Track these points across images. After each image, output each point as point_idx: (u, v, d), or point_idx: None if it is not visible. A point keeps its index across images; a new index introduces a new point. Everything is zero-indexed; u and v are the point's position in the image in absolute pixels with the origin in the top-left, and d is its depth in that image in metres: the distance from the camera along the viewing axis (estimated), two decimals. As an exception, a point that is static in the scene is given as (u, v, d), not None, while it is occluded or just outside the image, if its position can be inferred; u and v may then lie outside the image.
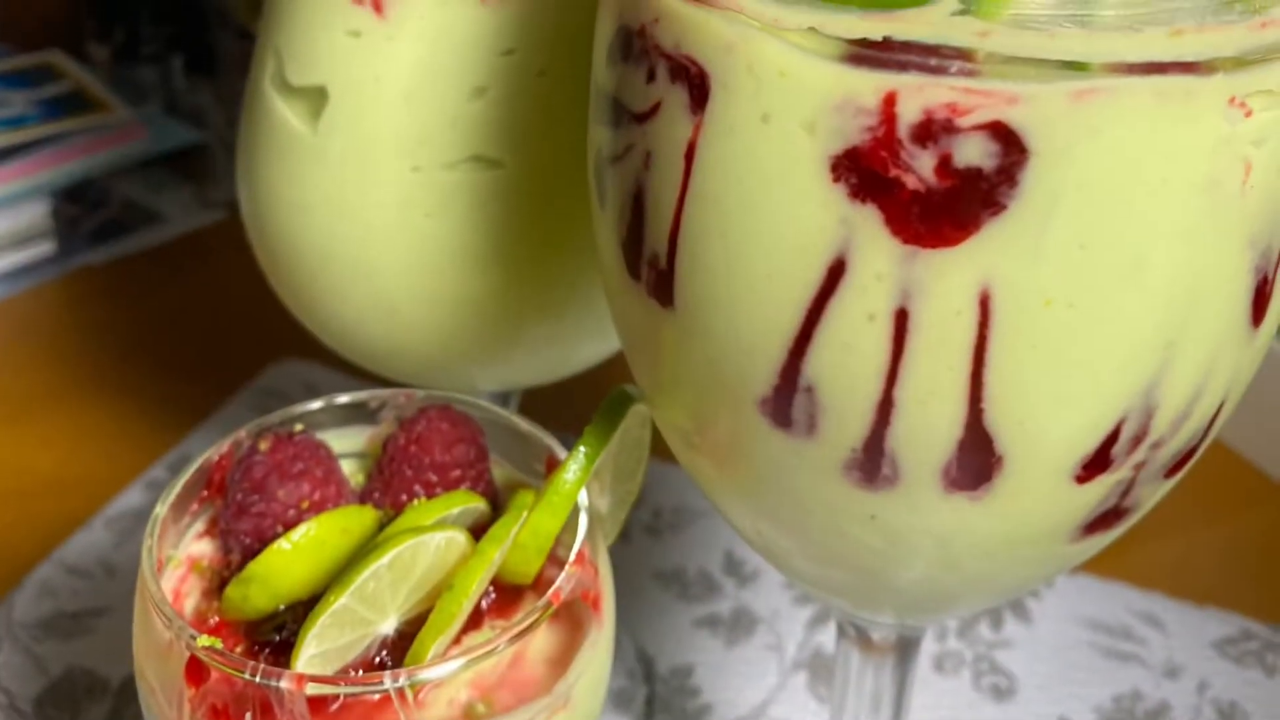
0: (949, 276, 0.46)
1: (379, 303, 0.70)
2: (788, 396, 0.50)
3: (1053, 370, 0.48)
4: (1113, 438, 0.50)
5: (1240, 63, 0.45)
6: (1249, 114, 0.46)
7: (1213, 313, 0.49)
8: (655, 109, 0.50)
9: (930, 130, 0.44)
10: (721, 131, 0.48)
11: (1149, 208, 0.46)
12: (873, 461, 0.50)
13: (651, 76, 0.50)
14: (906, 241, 0.46)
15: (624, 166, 0.53)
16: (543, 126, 0.67)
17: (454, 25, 0.64)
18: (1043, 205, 0.45)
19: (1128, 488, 0.53)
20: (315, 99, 0.67)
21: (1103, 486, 0.52)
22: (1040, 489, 0.51)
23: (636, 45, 0.50)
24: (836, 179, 0.46)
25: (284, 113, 0.68)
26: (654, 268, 0.52)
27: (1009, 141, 0.44)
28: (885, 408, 0.49)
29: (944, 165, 0.45)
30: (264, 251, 0.74)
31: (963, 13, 0.43)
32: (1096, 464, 0.51)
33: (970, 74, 0.44)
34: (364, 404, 0.67)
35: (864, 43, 0.44)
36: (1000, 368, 0.47)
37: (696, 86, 0.48)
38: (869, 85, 0.45)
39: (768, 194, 0.47)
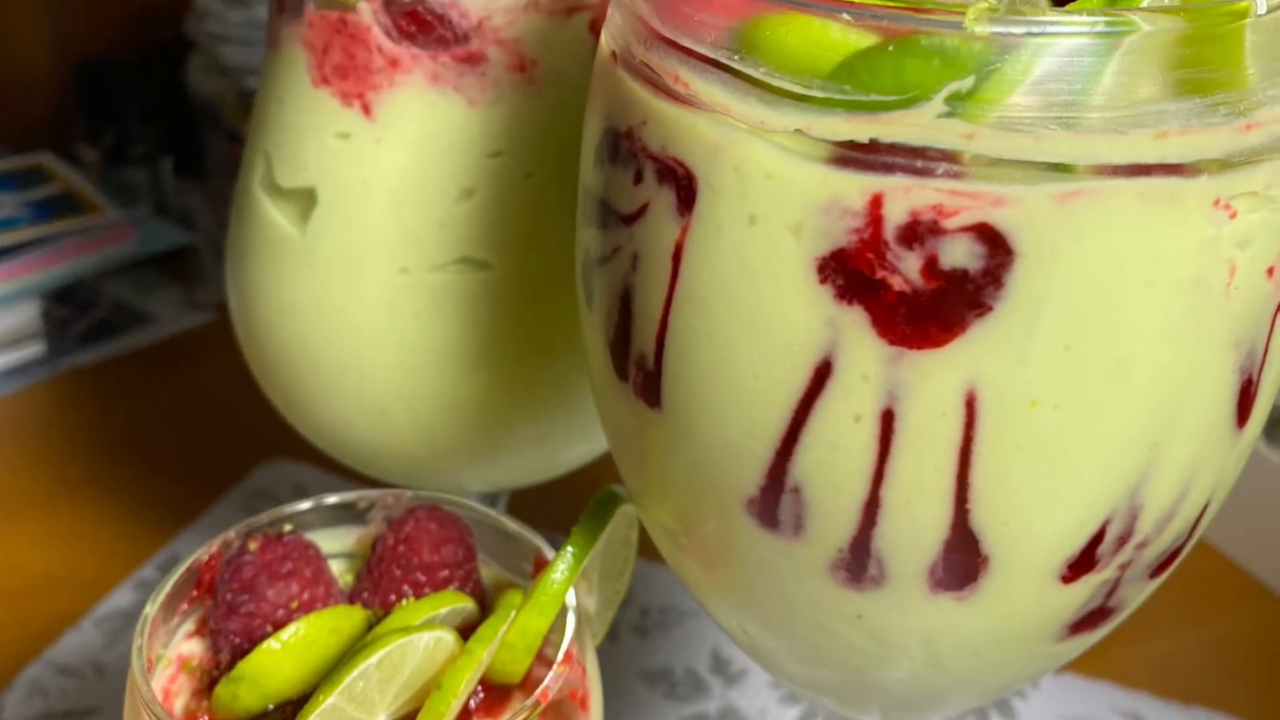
0: (935, 377, 0.46)
1: (367, 403, 0.70)
2: (774, 497, 0.50)
3: (1039, 471, 0.48)
4: (1098, 538, 0.50)
5: (1225, 165, 0.45)
6: (1234, 215, 0.46)
7: (1197, 414, 0.49)
8: (643, 210, 0.50)
9: (916, 232, 0.45)
10: (708, 233, 0.48)
11: (1134, 309, 0.46)
12: (859, 562, 0.50)
13: (639, 178, 0.50)
14: (893, 343, 0.46)
15: (612, 267, 0.53)
16: (531, 228, 0.67)
17: (442, 128, 0.65)
18: (1029, 307, 0.45)
19: (1113, 588, 0.53)
20: (304, 201, 0.67)
21: (1088, 586, 0.52)
22: (1026, 589, 0.51)
23: (624, 147, 0.51)
24: (823, 280, 0.46)
25: (273, 215, 0.68)
26: (641, 368, 0.52)
27: (995, 243, 0.45)
28: (872, 508, 0.49)
29: (930, 267, 0.45)
30: (253, 352, 0.74)
31: (949, 115, 0.44)
32: (1082, 564, 0.51)
33: (956, 176, 0.44)
34: (353, 504, 0.66)
35: (850, 145, 0.45)
36: (986, 468, 0.48)
37: (683, 188, 0.48)
38: (855, 187, 0.45)
39: (754, 295, 0.48)
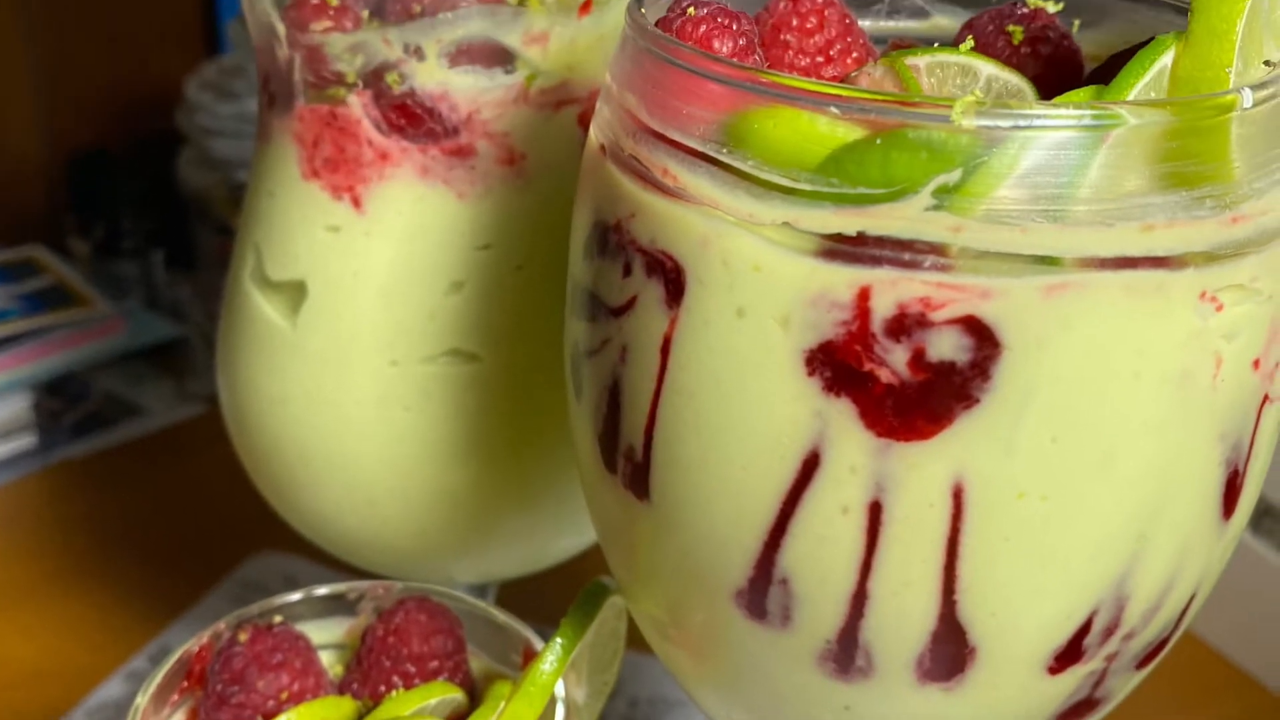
0: (922, 469, 0.46)
1: (357, 495, 0.70)
2: (763, 589, 0.50)
3: (1026, 562, 0.48)
4: (1085, 629, 0.50)
5: (1211, 258, 0.46)
6: (1220, 308, 0.46)
7: (1184, 506, 0.49)
8: (631, 303, 0.50)
9: (904, 324, 0.45)
10: (697, 325, 0.48)
11: (1121, 401, 0.46)
12: (847, 653, 0.50)
13: (628, 271, 0.50)
14: (880, 435, 0.46)
15: (600, 360, 0.53)
16: (520, 320, 0.67)
17: (432, 221, 0.65)
18: (1016, 398, 0.45)
19: (1100, 679, 0.53)
20: (294, 294, 0.68)
21: (1075, 677, 0.52)
22: (1013, 680, 0.51)
23: (612, 240, 0.51)
24: (811, 372, 0.46)
25: (263, 307, 0.69)
26: (630, 460, 0.52)
27: (982, 335, 0.45)
28: (859, 599, 0.49)
29: (917, 359, 0.45)
30: (243, 444, 0.74)
31: (936, 208, 0.44)
32: (1069, 655, 0.50)
33: (943, 268, 0.44)
34: (342, 595, 0.66)
35: (838, 238, 0.45)
36: (973, 559, 0.48)
37: (672, 281, 0.49)
38: (843, 280, 0.45)
39: (743, 387, 0.48)
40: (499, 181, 0.65)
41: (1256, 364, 0.48)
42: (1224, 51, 0.46)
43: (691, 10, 0.51)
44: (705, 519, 0.51)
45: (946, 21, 0.62)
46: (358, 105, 0.64)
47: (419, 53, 0.62)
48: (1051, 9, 0.57)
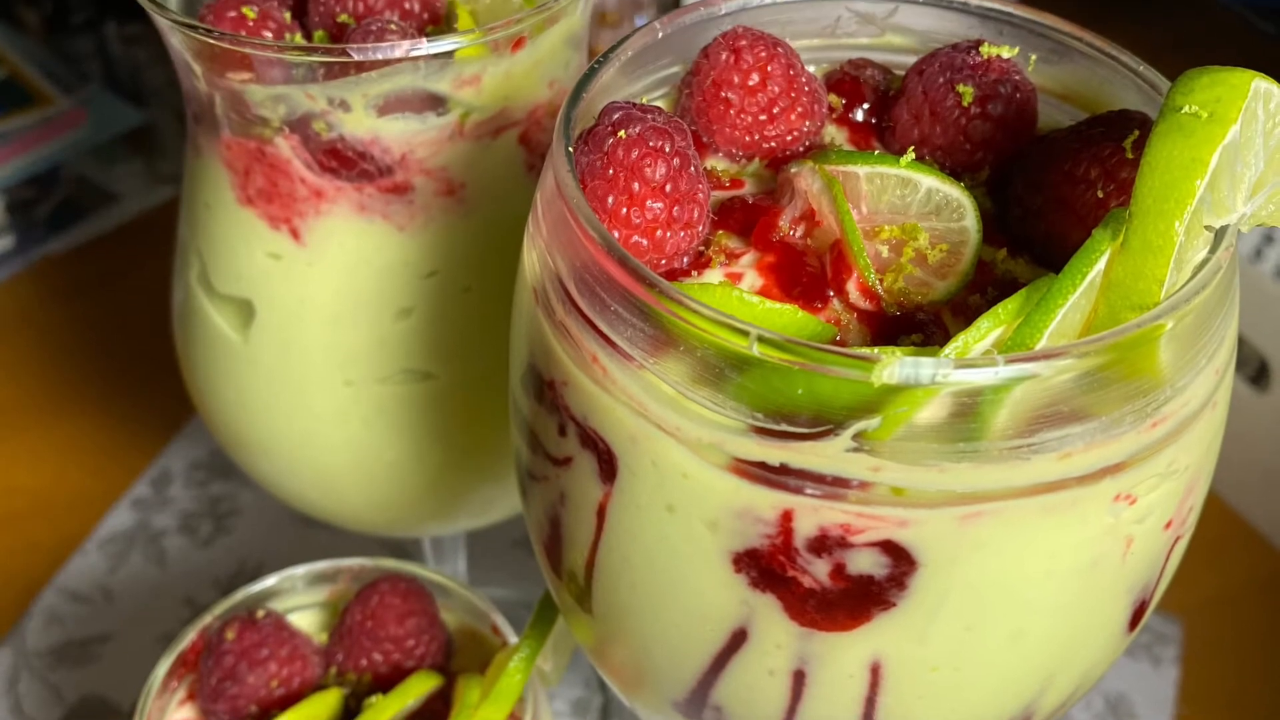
0: (843, 651, 0.49)
1: (325, 490, 0.72)
2: (698, 707, 0.54)
3: (938, 713, 0.51)
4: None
5: (1128, 463, 0.47)
6: (1134, 502, 0.48)
7: (1092, 648, 0.52)
8: (568, 461, 0.51)
9: (825, 543, 0.47)
10: (629, 506, 0.50)
11: (1032, 594, 0.48)
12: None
13: (563, 431, 0.51)
14: (803, 625, 0.49)
15: (543, 490, 0.54)
16: (472, 338, 0.67)
17: (374, 252, 0.64)
18: (931, 602, 0.48)
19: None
20: (242, 310, 0.67)
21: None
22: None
23: (548, 396, 0.51)
24: (738, 570, 0.48)
25: (213, 316, 0.68)
26: (574, 580, 0.55)
27: (899, 555, 0.47)
28: (787, 733, 0.52)
29: (838, 571, 0.47)
30: (210, 426, 0.75)
31: (856, 450, 0.45)
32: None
33: (863, 501, 0.46)
34: (320, 573, 0.70)
35: (763, 465, 0.46)
36: (889, 714, 0.51)
37: (605, 461, 0.49)
38: (767, 501, 0.46)
39: (675, 567, 0.50)
40: (440, 211, 0.63)
41: (1169, 524, 0.50)
42: (1158, 266, 0.45)
43: (623, 134, 0.50)
44: (644, 654, 0.54)
45: (900, 40, 0.60)
46: (285, 147, 0.61)
47: (344, 105, 0.59)
48: (1006, 55, 0.55)
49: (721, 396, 0.46)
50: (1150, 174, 0.45)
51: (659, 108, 0.52)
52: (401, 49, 0.57)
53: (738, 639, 0.50)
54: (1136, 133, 0.51)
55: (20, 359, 1.12)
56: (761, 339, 0.44)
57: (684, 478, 0.48)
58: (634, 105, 0.51)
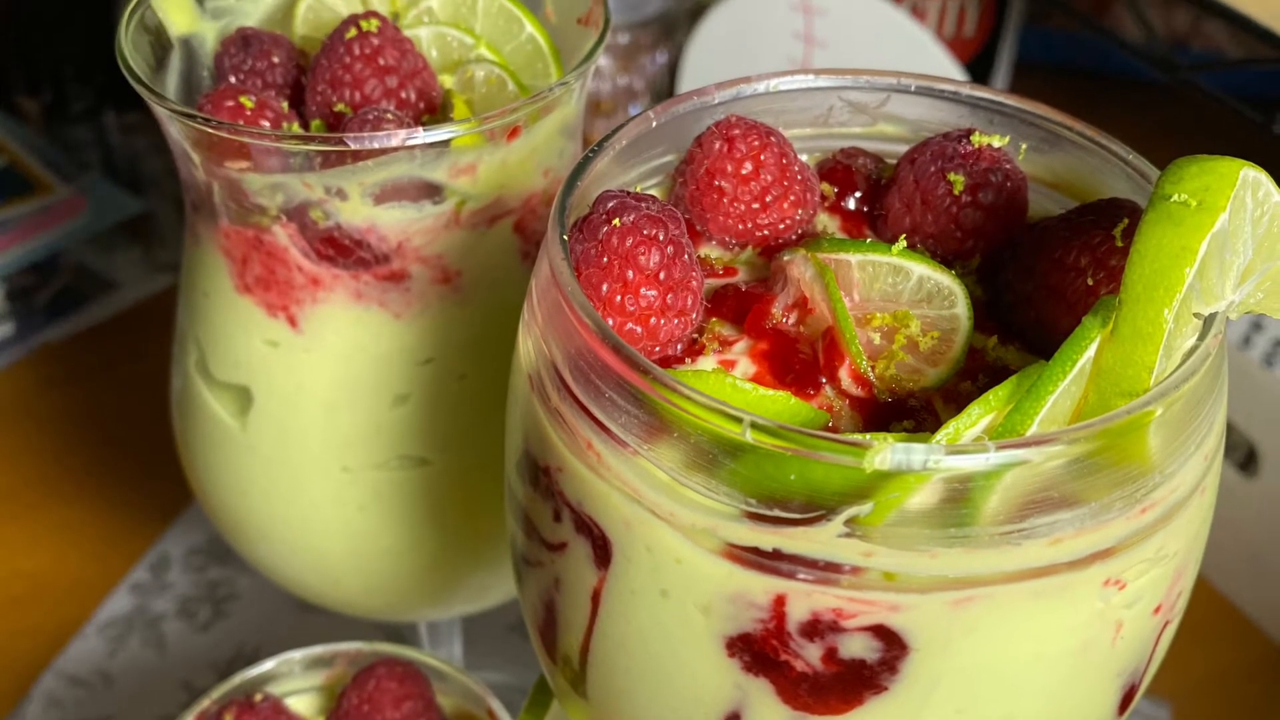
0: (837, 733, 0.49)
1: (322, 575, 0.72)
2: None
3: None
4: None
5: (1118, 548, 0.47)
6: (1123, 587, 0.48)
7: (1085, 728, 0.52)
8: (563, 547, 0.52)
9: (818, 628, 0.47)
10: (623, 592, 0.50)
11: (1022, 677, 0.49)
12: None
13: (558, 517, 0.51)
14: (796, 709, 0.49)
15: (538, 575, 0.55)
16: (467, 426, 0.68)
17: (371, 340, 0.64)
18: (923, 686, 0.48)
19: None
20: (241, 396, 0.67)
21: None
22: None
23: (543, 482, 0.52)
24: (731, 654, 0.49)
25: (211, 403, 0.69)
26: (568, 664, 0.55)
27: (891, 640, 0.47)
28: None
29: (830, 655, 0.47)
30: (208, 510, 0.75)
31: (848, 535, 0.45)
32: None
33: (855, 586, 0.46)
34: (318, 658, 0.70)
35: (755, 550, 0.46)
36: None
37: (599, 546, 0.50)
38: (760, 585, 0.47)
39: (668, 651, 0.50)
40: (436, 299, 0.64)
41: (1158, 609, 0.50)
42: (1148, 353, 0.46)
43: (618, 221, 0.50)
44: (639, 738, 0.54)
45: (892, 129, 0.61)
46: (283, 235, 0.62)
47: (341, 193, 0.60)
48: (997, 144, 0.56)
49: (715, 482, 0.46)
50: (1140, 262, 0.46)
51: (653, 196, 0.52)
52: (398, 138, 0.58)
53: (732, 721, 0.50)
54: (1126, 221, 0.51)
55: (19, 445, 1.13)
56: (755, 425, 0.44)
57: (677, 563, 0.48)
58: (628, 194, 0.51)
